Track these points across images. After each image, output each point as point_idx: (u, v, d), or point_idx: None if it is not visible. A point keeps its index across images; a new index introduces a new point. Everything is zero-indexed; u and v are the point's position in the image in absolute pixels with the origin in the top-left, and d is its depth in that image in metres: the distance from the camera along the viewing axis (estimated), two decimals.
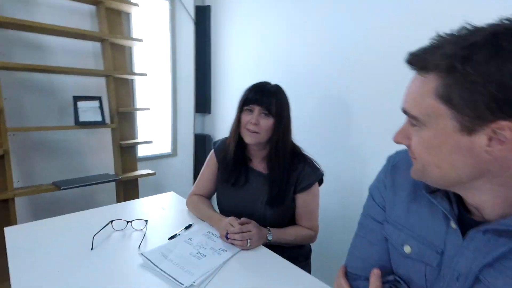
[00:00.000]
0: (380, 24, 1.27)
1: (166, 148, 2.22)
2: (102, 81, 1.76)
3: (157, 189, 2.18)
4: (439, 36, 0.41)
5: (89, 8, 1.70)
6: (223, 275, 0.76)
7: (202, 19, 2.21)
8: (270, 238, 0.94)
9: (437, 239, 0.51)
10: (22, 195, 1.46)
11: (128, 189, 1.81)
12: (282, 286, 0.74)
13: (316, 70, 1.57)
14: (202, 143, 2.41)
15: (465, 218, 0.48)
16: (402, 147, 0.51)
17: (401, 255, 0.56)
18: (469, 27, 0.39)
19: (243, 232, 0.88)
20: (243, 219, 0.93)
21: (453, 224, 0.48)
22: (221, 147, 1.12)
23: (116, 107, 1.70)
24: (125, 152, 1.78)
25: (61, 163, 1.70)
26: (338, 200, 1.47)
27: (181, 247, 0.87)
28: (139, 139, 1.87)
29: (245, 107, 0.99)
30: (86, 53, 1.73)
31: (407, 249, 0.54)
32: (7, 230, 0.91)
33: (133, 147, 1.84)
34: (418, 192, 0.55)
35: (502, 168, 0.39)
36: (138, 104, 1.95)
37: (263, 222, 0.96)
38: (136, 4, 1.68)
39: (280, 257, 0.86)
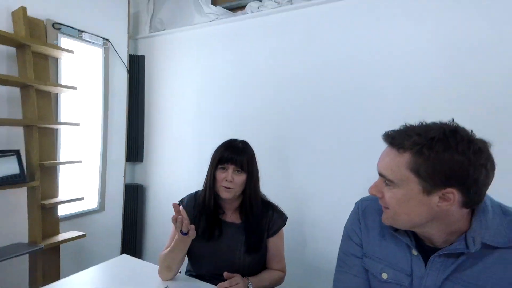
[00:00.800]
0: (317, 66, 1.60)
1: (92, 203, 1.95)
2: (16, 131, 1.49)
3: (80, 255, 1.85)
4: (406, 125, 0.63)
5: (6, 49, 1.48)
6: None
7: (136, 68, 2.20)
8: (251, 287, 0.99)
9: (404, 264, 0.69)
10: None
11: (48, 259, 1.49)
12: None
13: (253, 120, 1.77)
14: (133, 193, 2.22)
15: (420, 245, 0.68)
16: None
17: (379, 281, 0.72)
18: (424, 123, 0.62)
19: (231, 286, 0.92)
20: (226, 274, 0.96)
21: (414, 252, 0.68)
22: (191, 204, 1.13)
23: (38, 162, 1.45)
24: (46, 213, 1.50)
25: None
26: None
27: None
28: (62, 197, 1.61)
29: (219, 166, 1.06)
30: None
31: (384, 275, 0.71)
32: None
33: (55, 207, 1.56)
34: (385, 231, 0.74)
35: (445, 215, 0.60)
36: (62, 156, 1.71)
37: (242, 270, 1.01)
38: (71, 51, 1.57)
39: None
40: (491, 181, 0.58)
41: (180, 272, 1.08)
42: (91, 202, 1.94)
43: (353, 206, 0.84)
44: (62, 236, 1.54)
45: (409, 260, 0.68)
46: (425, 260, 0.66)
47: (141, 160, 2.29)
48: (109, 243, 2.08)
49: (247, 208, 1.08)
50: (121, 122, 2.13)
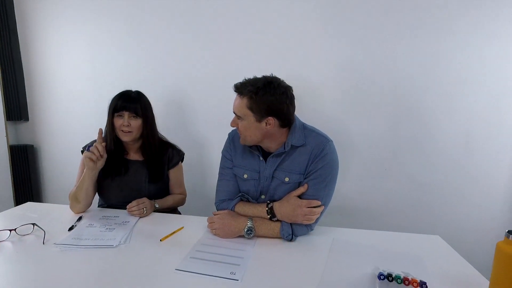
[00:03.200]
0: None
1: None
2: None
3: None
4: (246, 79, 0.98)
5: None
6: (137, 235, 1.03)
7: (2, 9, 1.88)
8: (157, 206, 1.25)
9: (256, 166, 1.08)
10: None
11: None
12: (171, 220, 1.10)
13: (151, 72, 1.86)
14: (22, 155, 2.06)
15: (264, 154, 1.08)
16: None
17: (242, 180, 1.10)
18: (255, 77, 0.97)
19: (139, 204, 1.15)
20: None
21: (261, 158, 1.07)
22: None
23: None
24: None
25: None
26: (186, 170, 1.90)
27: (88, 231, 1.01)
28: None
29: (116, 114, 1.21)
30: None
31: (245, 176, 1.10)
32: None
33: None
34: (245, 149, 1.11)
35: (272, 133, 1.00)
36: None
37: (149, 197, 1.24)
38: None
39: (171, 213, 1.23)
40: (292, 110, 1.00)
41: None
42: None
43: None
44: None
45: (258, 163, 1.08)
46: (266, 162, 1.07)
47: (26, 119, 2.08)
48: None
49: (146, 147, 1.29)
50: None
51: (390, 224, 1.76)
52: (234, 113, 1.00)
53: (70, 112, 2.03)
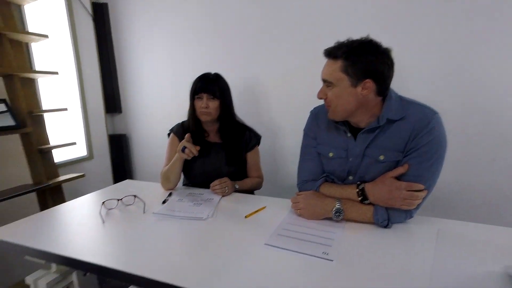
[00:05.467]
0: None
1: (82, 151, 2.08)
2: None
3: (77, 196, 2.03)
4: (338, 42, 0.87)
5: None
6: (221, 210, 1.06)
7: (100, 16, 2.16)
8: (237, 186, 1.27)
9: (342, 144, 0.98)
10: None
11: (54, 198, 1.66)
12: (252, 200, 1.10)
13: (227, 65, 1.91)
14: (118, 143, 2.36)
15: (352, 130, 0.96)
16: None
17: (327, 159, 1.02)
18: (349, 39, 0.87)
19: (221, 183, 1.18)
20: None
21: (348, 134, 0.96)
22: (180, 130, 1.35)
23: (27, 109, 1.54)
24: (43, 158, 1.63)
25: None
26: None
27: (179, 204, 1.08)
28: (56, 142, 1.73)
29: (196, 96, 1.26)
30: None
31: (330, 154, 1.00)
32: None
33: (49, 153, 1.69)
34: (330, 125, 1.01)
35: (366, 102, 0.88)
36: (45, 105, 1.78)
37: (228, 178, 1.27)
38: None
39: (249, 194, 1.23)
40: (392, 75, 0.86)
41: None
42: (80, 150, 2.06)
43: None
44: (64, 177, 1.70)
45: (346, 141, 0.97)
46: (355, 138, 0.95)
47: (120, 111, 2.38)
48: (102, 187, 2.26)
49: (224, 129, 1.31)
50: (95, 72, 2.16)
51: (500, 221, 1.47)
52: (323, 80, 0.90)
53: (153, 105, 2.24)
